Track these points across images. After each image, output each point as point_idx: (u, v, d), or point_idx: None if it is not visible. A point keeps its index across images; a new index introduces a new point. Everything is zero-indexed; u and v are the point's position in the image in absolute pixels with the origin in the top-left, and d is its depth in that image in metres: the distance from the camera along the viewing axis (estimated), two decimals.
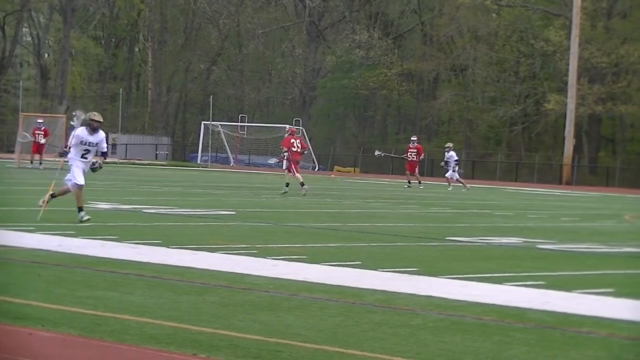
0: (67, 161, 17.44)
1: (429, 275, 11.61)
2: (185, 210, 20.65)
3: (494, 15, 75.48)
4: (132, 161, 63.95)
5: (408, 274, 11.69)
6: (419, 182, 40.78)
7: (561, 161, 61.93)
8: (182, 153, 79.48)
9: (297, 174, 30.29)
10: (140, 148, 75.60)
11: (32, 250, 12.43)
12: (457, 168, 41.23)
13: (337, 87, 78.07)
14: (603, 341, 8.27)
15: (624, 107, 64.58)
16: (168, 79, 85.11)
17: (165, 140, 79.98)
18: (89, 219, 16.63)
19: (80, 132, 17.18)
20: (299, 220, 19.84)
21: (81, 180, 17.08)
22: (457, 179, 40.45)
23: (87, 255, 12.08)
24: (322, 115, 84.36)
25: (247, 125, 70.94)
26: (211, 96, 70.28)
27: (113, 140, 76.13)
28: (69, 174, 17.23)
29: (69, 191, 17.22)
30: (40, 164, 41.93)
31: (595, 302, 10.21)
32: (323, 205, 25.73)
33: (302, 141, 32.30)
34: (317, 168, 68.24)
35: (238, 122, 70.63)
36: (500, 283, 11.22)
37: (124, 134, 76.74)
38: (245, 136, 70.84)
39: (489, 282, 11.24)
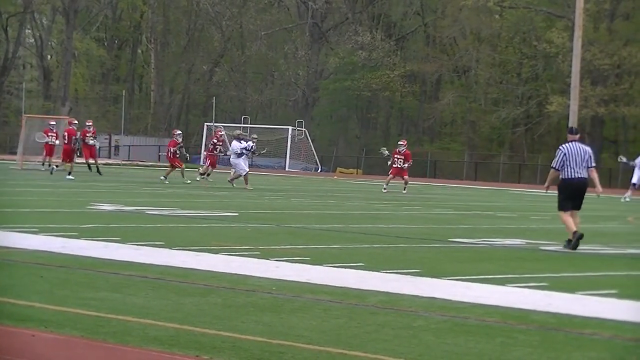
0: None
1: (432, 277, 11.61)
2: (188, 212, 20.65)
3: (496, 16, 75.52)
4: (135, 163, 63.94)
5: (411, 275, 11.69)
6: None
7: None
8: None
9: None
10: (143, 149, 75.59)
11: (35, 251, 12.43)
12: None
13: (340, 89, 78.06)
14: (606, 343, 8.27)
15: (626, 108, 64.58)
16: (171, 80, 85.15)
17: (168, 141, 79.94)
18: None
19: None
20: (301, 222, 19.84)
21: None
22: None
23: (90, 257, 12.08)
24: (324, 117, 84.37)
25: (250, 127, 70.98)
26: (214, 98, 70.27)
27: (116, 141, 76.16)
28: None
29: None
30: (50, 165, 42.25)
31: (599, 303, 10.21)
32: (326, 207, 25.74)
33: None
34: (319, 169, 68.28)
35: (241, 123, 70.69)
36: (503, 284, 11.22)
37: (126, 135, 76.74)
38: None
39: (491, 284, 11.24)
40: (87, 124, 41.20)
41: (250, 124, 71.30)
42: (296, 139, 68.54)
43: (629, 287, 11.85)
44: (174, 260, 12.07)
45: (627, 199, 36.54)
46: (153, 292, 9.67)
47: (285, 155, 68.27)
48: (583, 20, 60.29)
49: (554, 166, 16.54)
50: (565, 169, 16.42)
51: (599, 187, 16.99)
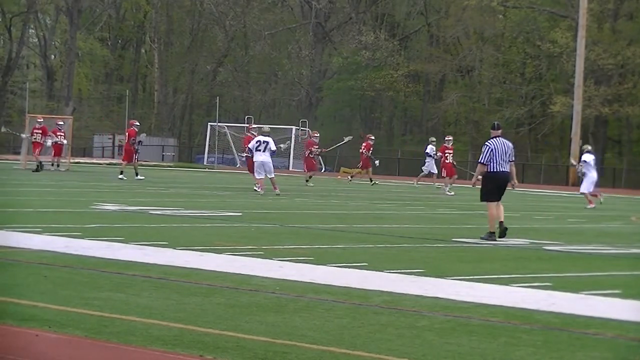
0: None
1: (436, 277, 11.61)
2: (191, 212, 20.65)
3: (500, 16, 75.43)
4: (139, 162, 63.80)
5: (414, 275, 11.68)
6: None
7: (567, 162, 61.85)
8: (189, 154, 79.53)
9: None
10: (147, 149, 75.38)
11: (38, 251, 12.44)
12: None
13: (344, 89, 78.01)
14: (610, 342, 8.27)
15: (630, 108, 64.50)
16: (174, 80, 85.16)
17: (172, 141, 79.93)
18: None
19: None
20: (305, 222, 19.84)
21: None
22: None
23: (93, 257, 12.08)
24: (328, 117, 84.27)
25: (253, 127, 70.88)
26: (217, 97, 70.27)
27: (119, 142, 76.13)
28: None
29: None
30: (58, 165, 42.55)
31: (602, 303, 10.20)
32: (329, 207, 25.73)
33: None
34: (323, 169, 68.25)
35: (244, 123, 70.65)
36: (507, 284, 11.21)
37: None
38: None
39: (495, 284, 11.23)
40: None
41: (253, 124, 71.26)
42: (300, 139, 68.46)
43: (632, 287, 11.83)
44: (178, 260, 12.07)
45: (602, 200, 33.73)
46: (156, 292, 9.67)
47: (289, 155, 68.20)
48: (587, 20, 60.40)
49: (481, 161, 17.47)
50: (491, 163, 17.30)
51: (515, 181, 17.85)
